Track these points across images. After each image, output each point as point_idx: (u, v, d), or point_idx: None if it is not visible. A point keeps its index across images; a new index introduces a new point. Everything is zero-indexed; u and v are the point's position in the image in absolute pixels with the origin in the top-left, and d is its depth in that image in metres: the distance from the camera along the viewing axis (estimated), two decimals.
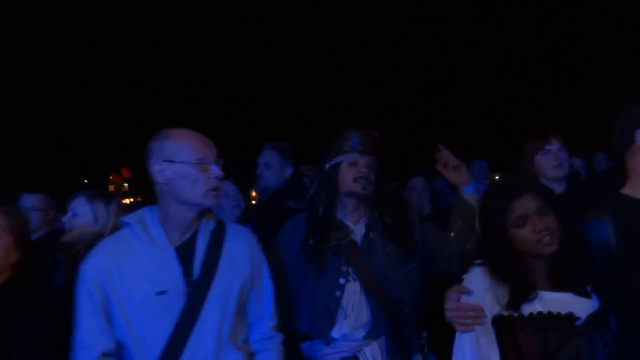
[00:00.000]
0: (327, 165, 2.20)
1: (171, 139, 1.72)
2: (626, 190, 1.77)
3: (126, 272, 1.66)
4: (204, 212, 1.78)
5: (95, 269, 1.68)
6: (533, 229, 1.60)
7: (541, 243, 1.60)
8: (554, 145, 2.71)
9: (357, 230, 2.17)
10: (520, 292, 1.58)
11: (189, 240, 1.74)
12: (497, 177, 6.93)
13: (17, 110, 17.80)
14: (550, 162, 2.68)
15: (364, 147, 2.16)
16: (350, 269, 2.09)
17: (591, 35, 16.02)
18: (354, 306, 2.08)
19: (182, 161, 1.68)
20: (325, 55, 19.98)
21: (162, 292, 1.64)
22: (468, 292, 1.58)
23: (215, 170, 1.70)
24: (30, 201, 3.39)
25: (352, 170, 2.15)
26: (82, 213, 2.53)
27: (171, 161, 1.68)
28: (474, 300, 1.57)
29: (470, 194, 2.22)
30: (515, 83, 18.06)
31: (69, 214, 2.56)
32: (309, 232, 2.16)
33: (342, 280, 2.09)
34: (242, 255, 1.79)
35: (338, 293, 2.08)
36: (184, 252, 1.71)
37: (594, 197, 1.81)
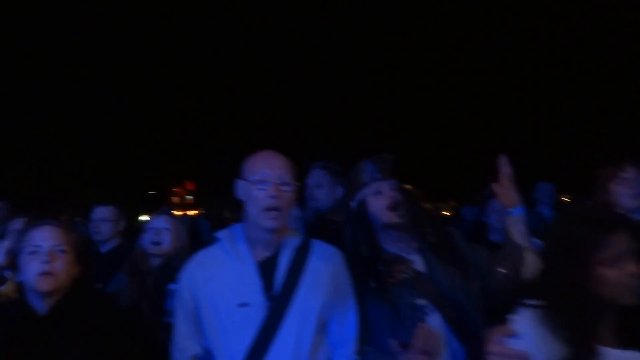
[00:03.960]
0: (353, 204, 2.15)
1: (249, 157, 1.83)
2: None
3: (213, 283, 1.77)
4: (287, 229, 1.85)
5: (188, 279, 1.83)
6: (625, 272, 1.40)
7: (629, 289, 1.39)
8: (629, 173, 2.51)
9: (415, 259, 2.07)
10: (584, 348, 1.36)
11: (272, 256, 1.80)
12: (565, 200, 6.43)
13: (89, 126, 18.90)
14: (627, 191, 2.49)
15: (382, 172, 2.11)
16: (426, 301, 1.99)
17: None
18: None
19: (246, 179, 1.79)
20: (370, 80, 20.04)
21: (244, 304, 1.71)
22: (516, 336, 1.41)
23: (271, 191, 1.73)
24: (102, 213, 3.52)
25: (379, 199, 2.08)
26: (167, 230, 2.67)
27: (243, 179, 1.80)
28: (522, 347, 1.39)
29: (517, 217, 2.08)
30: (584, 101, 17.23)
31: (152, 231, 2.67)
32: (366, 273, 2.04)
33: (423, 316, 1.97)
34: (326, 274, 1.81)
35: None
36: (266, 267, 1.78)
37: None
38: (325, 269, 1.83)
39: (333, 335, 1.83)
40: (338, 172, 3.18)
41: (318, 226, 3.00)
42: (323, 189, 3.10)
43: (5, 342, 1.68)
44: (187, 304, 1.81)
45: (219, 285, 1.76)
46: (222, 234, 1.87)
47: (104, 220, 3.49)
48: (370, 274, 2.03)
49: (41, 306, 1.80)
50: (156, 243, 2.63)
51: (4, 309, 1.83)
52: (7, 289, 2.17)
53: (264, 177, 1.75)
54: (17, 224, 2.83)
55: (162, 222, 2.73)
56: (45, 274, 1.77)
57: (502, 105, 18.38)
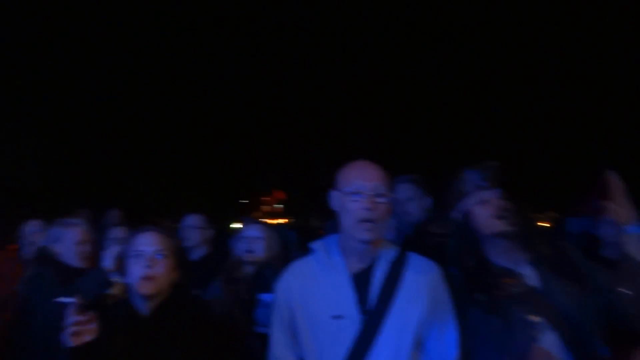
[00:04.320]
0: (456, 215, 2.03)
1: (343, 168, 1.81)
2: None
3: (308, 294, 1.77)
4: (382, 241, 1.81)
5: (284, 289, 1.84)
6: None
7: None
8: None
9: (526, 272, 1.91)
10: None
11: (367, 269, 1.77)
12: None
13: (184, 136, 20.09)
14: None
15: (488, 180, 2.00)
16: (540, 319, 1.83)
17: None
18: None
19: (341, 190, 1.77)
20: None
21: (338, 317, 1.69)
22: None
23: (365, 203, 1.70)
24: (192, 221, 3.66)
25: (485, 208, 1.96)
26: (260, 239, 2.71)
27: (338, 190, 1.78)
28: None
29: (635, 234, 1.94)
30: None
31: (246, 239, 2.72)
32: (472, 287, 1.93)
33: (537, 334, 1.81)
34: (423, 288, 1.75)
35: None
36: (361, 280, 1.74)
37: None
38: (422, 283, 1.76)
39: (431, 354, 1.74)
40: (423, 182, 3.11)
41: (417, 240, 2.91)
42: (414, 202, 3.03)
43: (112, 339, 1.78)
44: (283, 314, 1.81)
45: (313, 296, 1.75)
46: (316, 244, 1.87)
47: (193, 227, 3.62)
48: (477, 287, 1.90)
49: (144, 308, 1.89)
50: (250, 251, 2.67)
51: (112, 309, 1.94)
52: (116, 290, 2.30)
53: (359, 189, 1.73)
54: (119, 232, 3.02)
55: (255, 230, 2.76)
56: (147, 277, 1.86)
57: (607, 114, 17.14)
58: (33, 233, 3.58)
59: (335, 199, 1.80)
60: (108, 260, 2.46)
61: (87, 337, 1.65)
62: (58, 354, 1.73)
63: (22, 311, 2.74)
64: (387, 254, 1.80)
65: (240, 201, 22.99)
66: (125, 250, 1.96)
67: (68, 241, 2.80)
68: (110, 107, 17.07)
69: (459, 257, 2.00)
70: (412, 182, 3.09)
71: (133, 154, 17.96)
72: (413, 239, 2.96)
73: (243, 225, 2.96)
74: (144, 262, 1.88)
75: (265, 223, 3.10)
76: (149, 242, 1.92)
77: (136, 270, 1.88)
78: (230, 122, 21.59)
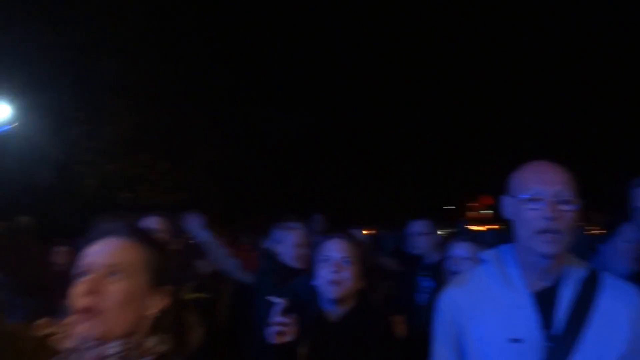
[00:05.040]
0: None
1: (517, 172, 1.58)
2: None
3: (479, 311, 1.58)
4: (568, 256, 1.56)
5: (449, 302, 1.67)
6: None
7: None
8: None
9: None
10: None
11: (550, 287, 1.52)
12: None
13: (384, 143, 20.61)
14: None
15: None
16: None
17: None
18: None
19: (515, 197, 1.53)
20: None
21: (516, 340, 1.48)
22: None
23: (546, 211, 1.45)
24: (418, 227, 3.64)
25: None
26: (467, 260, 2.56)
27: (511, 196, 1.56)
28: None
29: None
30: None
31: (452, 259, 2.61)
32: None
33: None
34: (622, 317, 1.45)
35: None
36: (544, 300, 1.51)
37: None
38: (621, 311, 1.44)
39: None
40: None
41: None
42: None
43: (301, 339, 1.85)
44: (447, 328, 1.65)
45: (485, 313, 1.55)
46: (488, 254, 1.66)
47: (419, 234, 3.58)
48: None
49: (332, 312, 1.97)
50: (456, 273, 2.55)
51: (302, 312, 2.03)
52: None
53: (537, 195, 1.47)
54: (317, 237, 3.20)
55: (462, 250, 2.62)
56: (333, 282, 1.93)
57: None
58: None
59: (509, 207, 1.57)
60: None
61: (288, 338, 1.74)
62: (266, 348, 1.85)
63: (246, 302, 3.08)
64: (576, 272, 1.51)
65: (445, 207, 22.55)
66: (314, 255, 2.06)
67: (288, 243, 3.01)
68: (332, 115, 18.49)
69: None
70: None
71: (338, 163, 19.16)
72: None
73: (453, 240, 2.79)
74: (332, 267, 1.95)
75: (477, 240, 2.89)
76: (336, 249, 2.00)
77: (324, 274, 1.96)
78: (434, 126, 21.49)
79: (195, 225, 3.43)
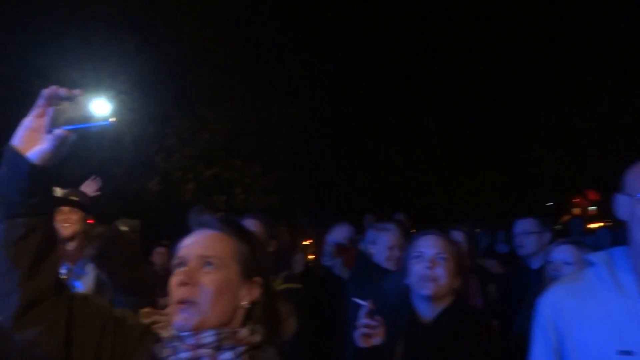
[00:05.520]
0: None
1: (634, 167, 1.44)
2: None
3: (586, 317, 1.47)
4: None
5: (552, 306, 1.57)
6: None
7: None
8: None
9: None
10: None
11: None
12: None
13: (482, 136, 19.86)
14: None
15: None
16: None
17: None
18: None
19: (631, 195, 1.40)
20: None
21: (627, 353, 1.36)
22: None
23: None
24: (525, 225, 3.49)
25: None
26: (569, 265, 2.43)
27: (627, 194, 1.42)
28: None
29: None
30: None
31: (553, 264, 2.48)
32: None
33: None
34: None
35: None
36: None
37: None
38: None
39: None
40: None
41: None
42: None
43: (393, 340, 1.81)
44: (548, 335, 1.53)
45: (592, 321, 1.44)
46: (597, 257, 1.52)
47: (525, 233, 3.43)
48: None
49: (426, 311, 1.89)
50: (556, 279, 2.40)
51: (395, 311, 1.99)
52: None
53: None
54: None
55: (564, 253, 2.46)
56: (427, 278, 1.87)
57: None
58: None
59: (624, 206, 1.42)
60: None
61: (375, 341, 1.69)
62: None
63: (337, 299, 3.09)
64: None
65: (546, 204, 21.23)
66: (407, 252, 2.01)
67: (382, 244, 3.00)
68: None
69: None
70: None
71: (429, 163, 18.81)
72: None
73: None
74: (425, 263, 1.89)
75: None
76: (430, 245, 1.94)
77: (416, 271, 1.90)
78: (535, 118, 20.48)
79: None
